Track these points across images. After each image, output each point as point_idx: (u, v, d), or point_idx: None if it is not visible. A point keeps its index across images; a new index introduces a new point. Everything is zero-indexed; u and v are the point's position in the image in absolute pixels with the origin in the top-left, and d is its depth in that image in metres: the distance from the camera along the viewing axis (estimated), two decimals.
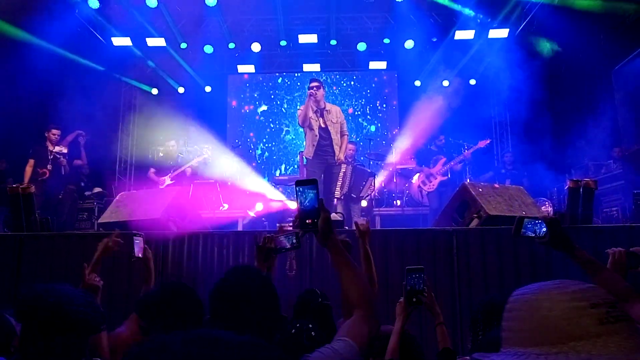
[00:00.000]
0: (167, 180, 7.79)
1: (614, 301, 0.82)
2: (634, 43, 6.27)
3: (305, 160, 6.30)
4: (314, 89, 6.18)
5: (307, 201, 1.54)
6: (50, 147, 6.90)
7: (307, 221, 1.53)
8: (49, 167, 6.78)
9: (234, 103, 11.39)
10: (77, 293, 1.56)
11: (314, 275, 3.62)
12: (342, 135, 6.43)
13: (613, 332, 0.78)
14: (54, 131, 6.97)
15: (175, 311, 1.77)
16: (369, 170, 7.39)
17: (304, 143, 6.68)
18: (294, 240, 2.29)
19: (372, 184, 7.28)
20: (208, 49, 10.13)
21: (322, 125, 6.25)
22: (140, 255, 2.64)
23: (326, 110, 6.31)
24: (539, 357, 0.78)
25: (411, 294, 2.11)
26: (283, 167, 11.07)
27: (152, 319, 1.78)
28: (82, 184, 7.98)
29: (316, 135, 6.23)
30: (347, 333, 1.42)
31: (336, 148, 6.31)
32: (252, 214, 7.45)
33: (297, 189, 1.55)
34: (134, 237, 2.66)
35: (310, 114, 6.22)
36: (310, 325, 1.87)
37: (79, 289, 1.74)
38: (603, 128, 7.35)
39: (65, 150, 7.03)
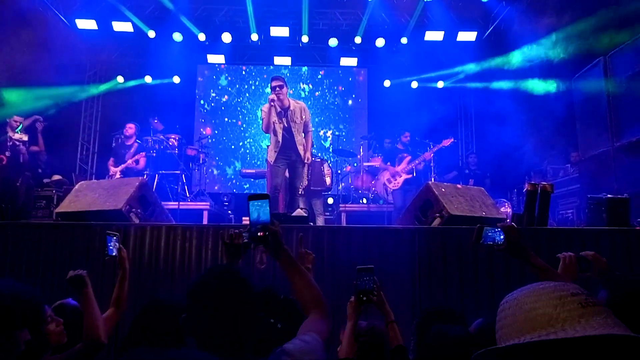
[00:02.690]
0: (117, 173, 7.55)
1: (589, 292, 0.95)
2: (592, 54, 6.53)
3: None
4: (277, 89, 5.59)
5: (258, 215, 1.66)
6: (10, 134, 6.67)
7: (259, 234, 1.65)
8: (7, 153, 6.56)
9: (202, 93, 11.21)
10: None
11: (277, 271, 3.60)
12: (306, 133, 5.95)
13: (594, 313, 0.90)
14: (16, 117, 6.75)
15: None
16: (319, 160, 7.39)
17: (268, 147, 6.16)
18: None
19: (327, 170, 7.36)
20: (177, 36, 9.91)
21: (286, 125, 5.76)
22: (114, 254, 2.52)
23: (290, 110, 5.77)
24: (532, 338, 0.90)
25: (361, 293, 2.14)
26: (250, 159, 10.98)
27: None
28: (40, 171, 7.70)
29: (279, 141, 5.74)
30: (310, 329, 1.52)
31: (300, 148, 5.81)
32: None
33: (250, 203, 1.66)
34: (108, 235, 2.52)
35: (274, 118, 5.70)
36: (272, 320, 1.92)
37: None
38: (562, 133, 7.63)
39: (25, 138, 6.81)
